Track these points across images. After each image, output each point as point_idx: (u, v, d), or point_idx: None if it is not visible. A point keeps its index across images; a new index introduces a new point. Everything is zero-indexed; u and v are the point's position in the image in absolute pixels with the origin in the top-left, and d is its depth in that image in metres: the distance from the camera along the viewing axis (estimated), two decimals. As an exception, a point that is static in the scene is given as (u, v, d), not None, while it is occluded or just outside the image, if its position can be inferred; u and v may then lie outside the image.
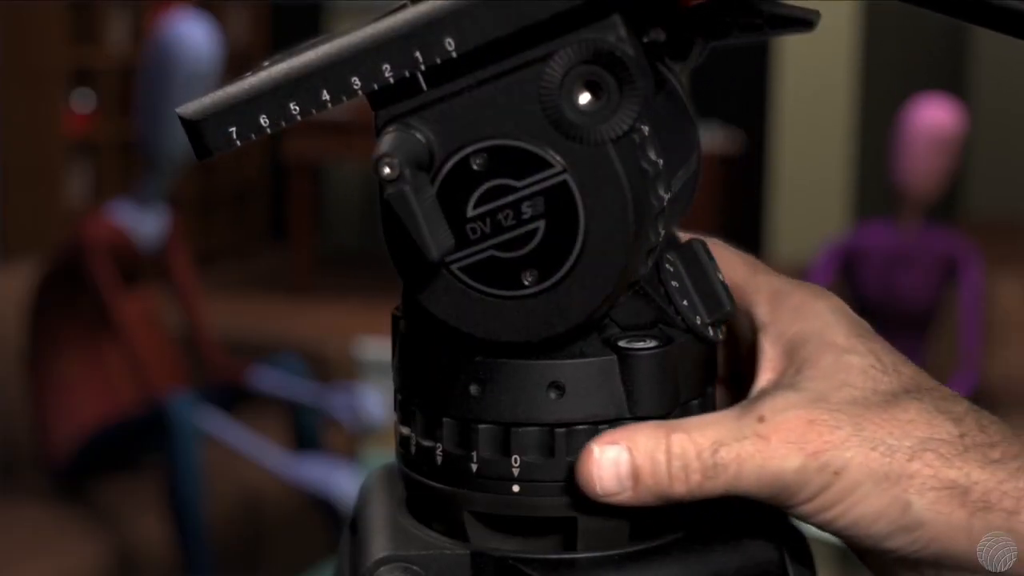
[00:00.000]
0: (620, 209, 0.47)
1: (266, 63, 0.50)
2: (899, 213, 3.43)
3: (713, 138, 6.12)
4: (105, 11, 6.04)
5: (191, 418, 2.84)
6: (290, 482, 3.05)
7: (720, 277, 0.52)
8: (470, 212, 0.48)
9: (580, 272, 0.48)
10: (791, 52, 4.88)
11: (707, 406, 0.52)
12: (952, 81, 6.58)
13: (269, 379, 3.15)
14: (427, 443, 0.51)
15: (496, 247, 0.48)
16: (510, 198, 0.47)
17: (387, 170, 0.45)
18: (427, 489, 0.52)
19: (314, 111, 0.47)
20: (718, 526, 0.53)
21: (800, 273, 3.64)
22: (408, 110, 0.47)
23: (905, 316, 3.44)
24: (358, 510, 0.56)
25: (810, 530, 0.51)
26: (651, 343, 0.50)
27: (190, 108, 0.48)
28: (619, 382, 0.49)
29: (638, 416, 0.49)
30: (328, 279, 6.38)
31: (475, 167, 0.47)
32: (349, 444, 3.43)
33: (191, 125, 0.48)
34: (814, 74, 4.86)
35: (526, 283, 0.48)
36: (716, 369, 0.53)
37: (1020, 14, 0.47)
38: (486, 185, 0.47)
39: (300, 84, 0.47)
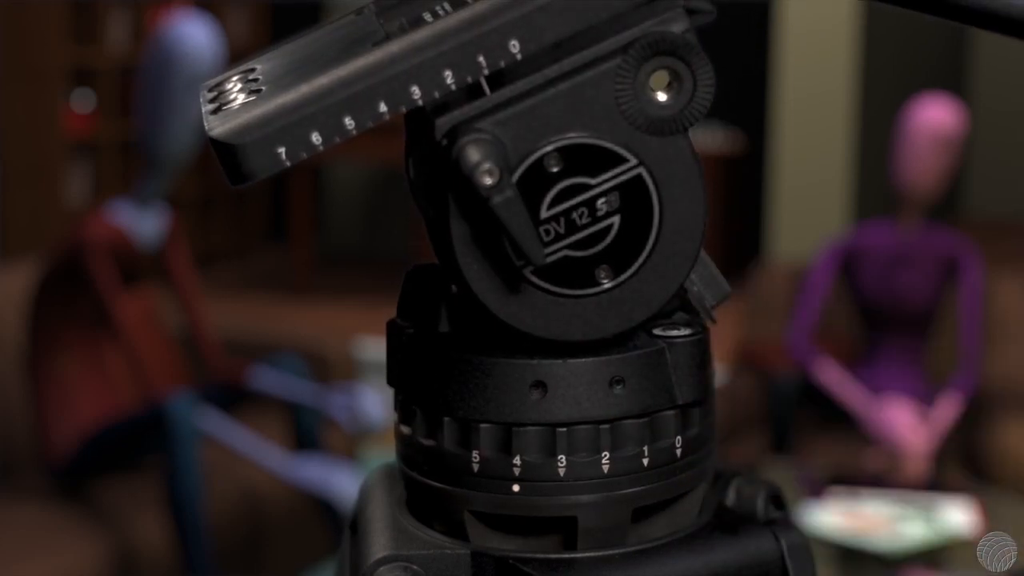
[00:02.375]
0: (695, 197, 0.48)
1: (256, 63, 0.50)
2: (899, 213, 3.43)
3: (713, 138, 6.12)
4: (105, 11, 6.04)
5: (191, 418, 2.84)
6: (290, 483, 3.05)
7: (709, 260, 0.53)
8: (544, 214, 0.47)
9: (654, 264, 0.48)
10: (791, 52, 4.88)
11: (707, 405, 0.53)
12: (952, 81, 6.58)
13: (268, 379, 3.15)
14: (427, 442, 0.51)
15: (570, 246, 0.47)
16: (585, 196, 0.47)
17: (488, 179, 0.45)
18: (427, 489, 0.52)
19: (371, 124, 0.45)
20: (718, 525, 0.53)
21: (801, 273, 3.64)
22: (472, 116, 0.46)
23: (905, 316, 3.44)
24: (358, 510, 0.56)
25: (810, 530, 0.52)
26: (685, 330, 0.50)
27: (225, 129, 0.45)
28: (668, 371, 0.50)
29: (679, 404, 0.50)
30: (328, 279, 6.38)
31: (549, 168, 0.47)
32: (349, 444, 3.43)
33: (229, 149, 0.45)
34: (814, 74, 4.86)
35: (601, 280, 0.48)
36: (714, 366, 0.54)
37: (1017, 18, 0.47)
38: (560, 185, 0.47)
39: (357, 97, 0.45)
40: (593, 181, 0.47)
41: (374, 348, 4.44)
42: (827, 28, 4.83)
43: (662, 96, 0.47)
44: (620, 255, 0.48)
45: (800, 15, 4.80)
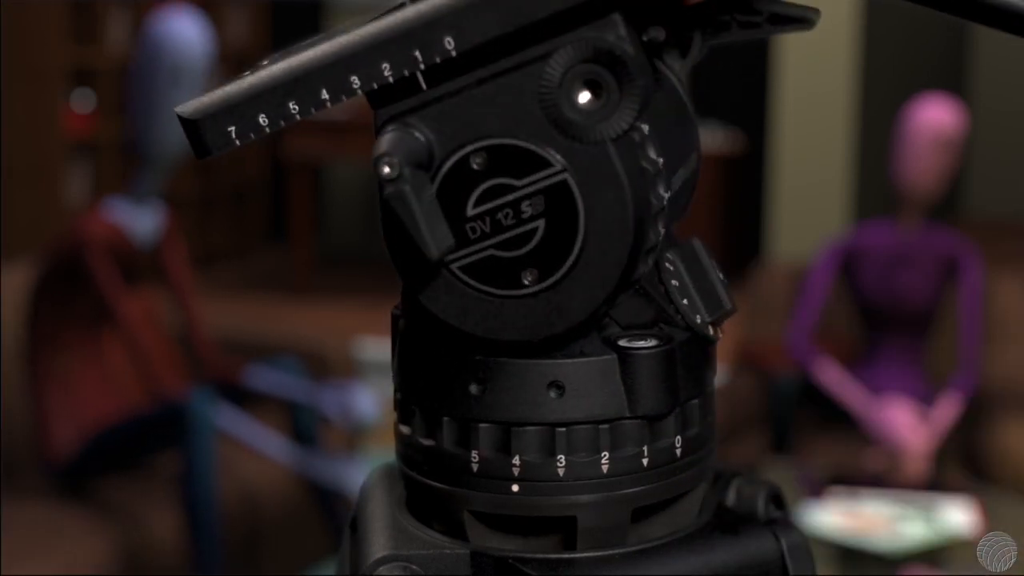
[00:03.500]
0: (620, 208, 0.47)
1: (265, 62, 0.50)
2: (899, 213, 3.43)
3: (713, 138, 6.12)
4: (105, 11, 6.04)
5: (210, 415, 2.84)
6: (304, 477, 3.06)
7: (720, 276, 0.52)
8: (470, 211, 0.47)
9: (580, 271, 0.47)
10: (791, 52, 4.88)
11: (707, 406, 0.52)
12: (952, 81, 6.58)
13: (263, 378, 3.15)
14: (427, 442, 0.51)
15: (496, 246, 0.48)
16: (510, 197, 0.47)
17: (387, 169, 0.45)
18: (427, 488, 0.52)
19: (313, 110, 0.47)
20: (718, 525, 0.53)
21: (801, 273, 3.64)
22: (408, 109, 0.47)
23: (905, 316, 3.44)
24: (358, 509, 0.56)
25: (810, 530, 0.52)
26: (652, 342, 0.50)
27: (189, 107, 0.48)
28: (619, 381, 0.49)
29: (638, 416, 0.49)
30: (328, 279, 6.38)
31: (475, 166, 0.47)
32: (347, 442, 3.43)
33: (190, 124, 0.47)
34: (814, 74, 4.86)
35: (526, 282, 0.48)
36: (715, 368, 0.53)
37: (1020, 13, 0.47)
38: (485, 184, 0.47)
39: (299, 83, 0.47)
40: (518, 183, 0.47)
41: (374, 348, 4.44)
42: (827, 28, 4.83)
43: (586, 103, 0.46)
44: (546, 260, 0.48)
45: (800, 15, 4.80)
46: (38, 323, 3.00)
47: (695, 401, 0.51)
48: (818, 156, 4.89)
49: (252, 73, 0.48)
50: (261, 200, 7.20)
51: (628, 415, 0.49)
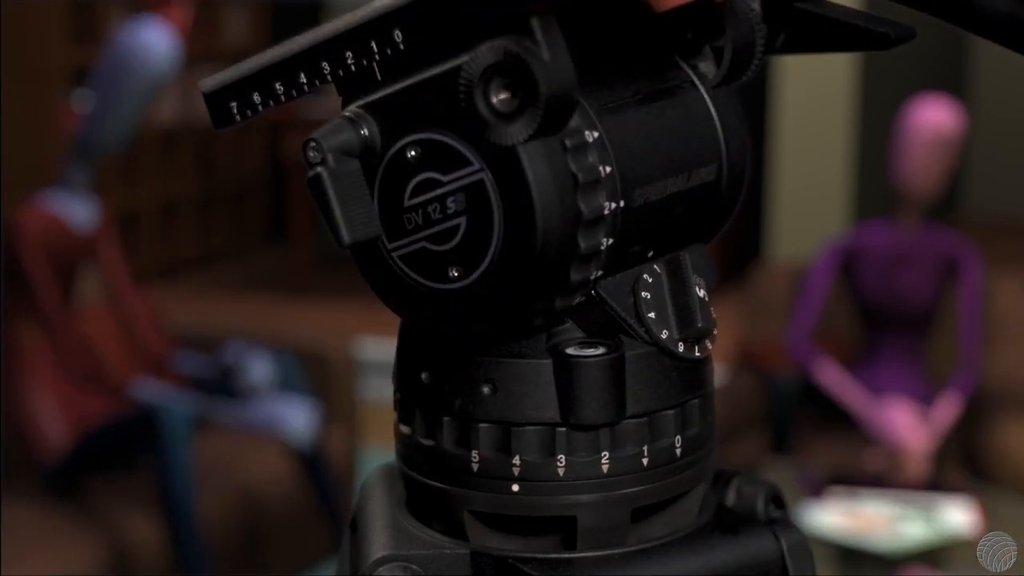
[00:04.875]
0: (529, 212, 0.47)
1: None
2: (899, 213, 3.42)
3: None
4: (105, 11, 6.04)
5: (180, 416, 2.83)
6: (241, 428, 3.02)
7: (701, 293, 0.52)
8: (406, 202, 0.49)
9: (498, 272, 0.48)
10: (791, 52, 4.87)
11: (706, 406, 0.52)
12: (952, 81, 6.58)
13: (189, 363, 3.15)
14: (427, 442, 0.51)
15: (427, 239, 0.49)
16: (437, 192, 0.48)
17: (311, 154, 0.48)
18: (427, 488, 0.52)
19: (294, 93, 0.50)
20: (718, 525, 0.53)
21: (801, 274, 3.64)
22: (365, 102, 0.49)
23: (906, 316, 3.44)
24: (358, 509, 0.56)
25: (810, 530, 0.52)
26: (600, 351, 0.49)
27: (208, 82, 0.51)
28: (552, 387, 0.49)
29: (572, 424, 0.49)
30: (328, 279, 6.38)
31: (409, 158, 0.48)
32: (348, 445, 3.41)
33: (206, 98, 0.51)
34: (814, 74, 4.86)
35: (452, 276, 0.49)
36: (702, 383, 0.52)
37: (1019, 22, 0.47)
38: (418, 177, 0.48)
39: (283, 65, 0.49)
40: (444, 179, 0.48)
41: (374, 348, 4.44)
42: (827, 28, 4.83)
43: (500, 105, 0.46)
44: (467, 256, 0.48)
45: (800, 15, 4.80)
46: (10, 320, 2.99)
47: (695, 401, 0.51)
48: (818, 156, 4.89)
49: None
50: (261, 200, 7.20)
51: (559, 421, 0.49)
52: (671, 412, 0.50)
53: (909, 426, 3.26)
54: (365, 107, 0.49)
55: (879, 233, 3.47)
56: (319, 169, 0.48)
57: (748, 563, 0.52)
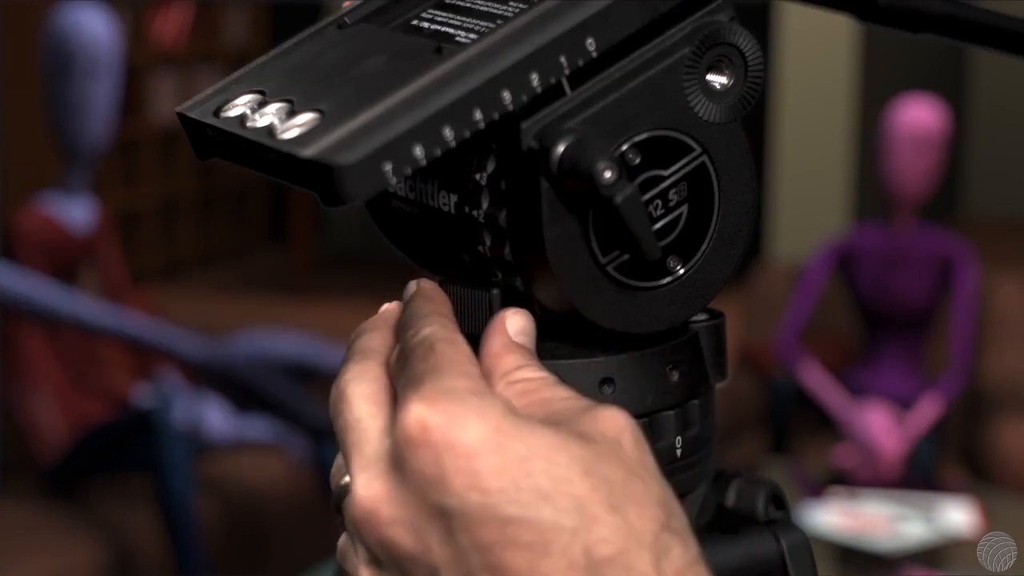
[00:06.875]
0: (748, 183, 0.50)
1: (261, 59, 0.50)
2: (893, 214, 3.42)
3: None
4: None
5: (173, 417, 2.82)
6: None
7: None
8: None
9: (715, 249, 0.50)
10: (791, 52, 4.88)
11: (707, 406, 0.53)
12: (951, 81, 6.58)
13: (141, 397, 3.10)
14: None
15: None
16: (660, 187, 0.49)
17: (610, 175, 0.46)
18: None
19: (467, 134, 0.45)
20: (718, 525, 0.53)
21: (798, 274, 3.64)
22: (557, 116, 0.47)
23: (901, 317, 3.43)
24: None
25: (810, 529, 0.52)
26: (702, 315, 0.53)
27: (318, 149, 0.44)
28: (704, 354, 0.52)
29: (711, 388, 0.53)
30: (328, 279, 6.38)
31: (631, 163, 0.48)
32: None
33: (330, 172, 0.44)
34: (814, 74, 4.86)
35: (674, 268, 0.50)
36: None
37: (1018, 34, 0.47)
38: (640, 178, 0.48)
39: (452, 107, 0.45)
40: (666, 172, 0.48)
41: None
42: (827, 28, 4.83)
43: (721, 83, 0.49)
44: (687, 244, 0.49)
45: (800, 16, 4.80)
46: (10, 321, 2.99)
47: (695, 401, 0.51)
48: (817, 156, 4.89)
49: (304, 101, 0.47)
50: (261, 200, 7.20)
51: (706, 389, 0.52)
52: (671, 413, 0.51)
53: (884, 427, 3.24)
54: (565, 121, 0.47)
55: (874, 234, 3.46)
56: (630, 189, 0.46)
57: (748, 563, 0.52)
